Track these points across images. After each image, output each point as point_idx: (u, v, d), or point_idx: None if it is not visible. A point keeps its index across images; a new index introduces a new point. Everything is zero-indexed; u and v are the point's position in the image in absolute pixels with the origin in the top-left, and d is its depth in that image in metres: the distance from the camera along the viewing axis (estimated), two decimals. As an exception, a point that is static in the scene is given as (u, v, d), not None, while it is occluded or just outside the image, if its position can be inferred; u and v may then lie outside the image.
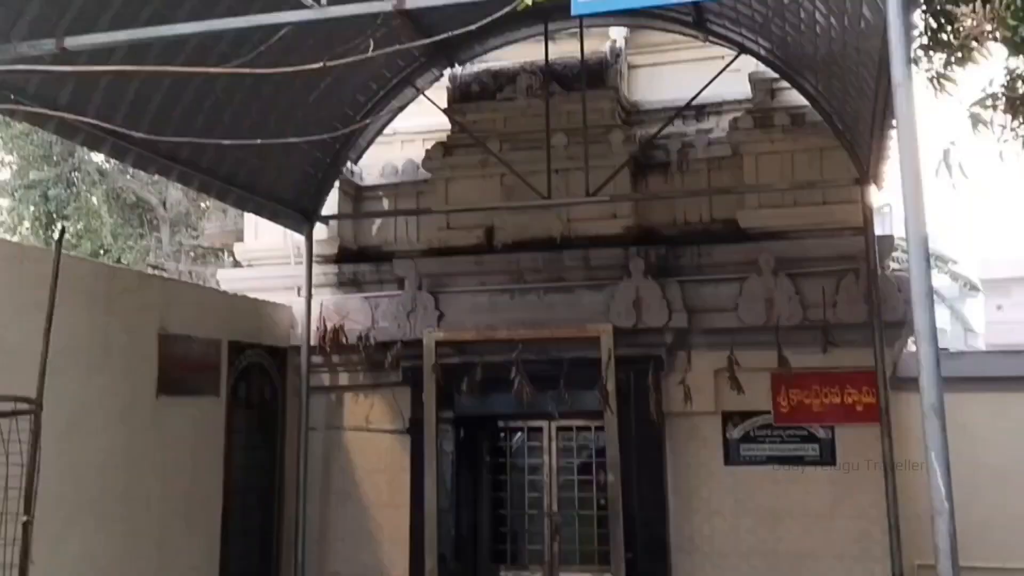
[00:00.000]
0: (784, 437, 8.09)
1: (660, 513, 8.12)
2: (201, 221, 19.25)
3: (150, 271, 16.13)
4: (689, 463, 8.27)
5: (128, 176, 20.33)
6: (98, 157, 20.21)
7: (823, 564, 7.77)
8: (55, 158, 19.67)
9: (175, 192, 20.02)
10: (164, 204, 20.04)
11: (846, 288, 7.76)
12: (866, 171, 7.35)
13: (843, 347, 7.78)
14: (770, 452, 8.11)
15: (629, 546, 8.00)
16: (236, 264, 10.53)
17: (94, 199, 20.39)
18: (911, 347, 10.80)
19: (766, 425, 8.15)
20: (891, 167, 7.07)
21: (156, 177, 19.81)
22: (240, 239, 10.15)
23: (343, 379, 9.39)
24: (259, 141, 5.97)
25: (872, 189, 7.54)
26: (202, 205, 20.44)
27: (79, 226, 20.17)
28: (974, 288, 32.46)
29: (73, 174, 19.91)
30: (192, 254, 20.74)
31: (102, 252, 18.98)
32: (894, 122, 5.49)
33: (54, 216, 19.21)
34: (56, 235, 6.51)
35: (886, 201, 11.10)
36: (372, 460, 9.14)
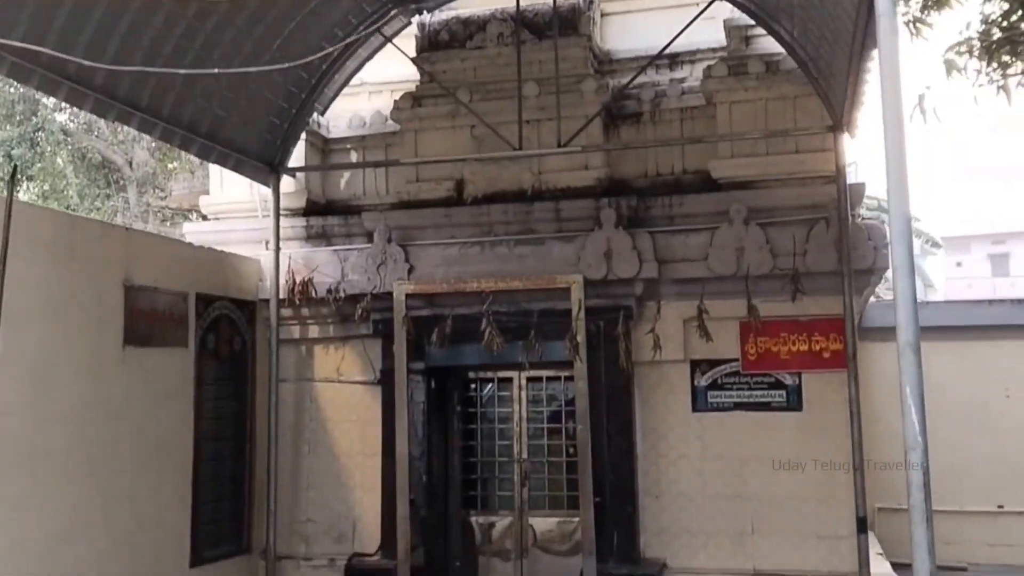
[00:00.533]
0: (751, 384, 8.09)
1: (628, 459, 8.11)
2: (169, 182, 18.87)
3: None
4: (657, 410, 8.25)
5: (94, 136, 19.85)
6: (62, 116, 19.72)
7: (788, 507, 7.82)
8: (18, 117, 19.12)
9: (141, 152, 19.57)
10: (131, 164, 19.61)
11: (816, 237, 7.72)
12: (840, 118, 7.27)
13: (812, 295, 7.76)
14: (737, 399, 8.11)
15: (598, 491, 7.99)
16: (204, 220, 10.28)
17: (59, 160, 19.93)
18: (875, 298, 10.88)
19: (734, 373, 8.14)
20: (865, 114, 7.01)
21: (122, 137, 19.60)
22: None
23: (313, 332, 9.25)
24: (217, 71, 5.73)
25: (845, 137, 7.48)
26: (169, 166, 20.03)
27: (45, 187, 19.70)
28: (936, 245, 32.80)
29: (37, 134, 19.39)
30: (160, 215, 20.35)
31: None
32: (870, 66, 5.45)
33: (19, 177, 18.76)
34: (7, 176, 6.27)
35: (851, 160, 11.09)
36: (343, 411, 9.05)
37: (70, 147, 19.73)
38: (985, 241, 44.52)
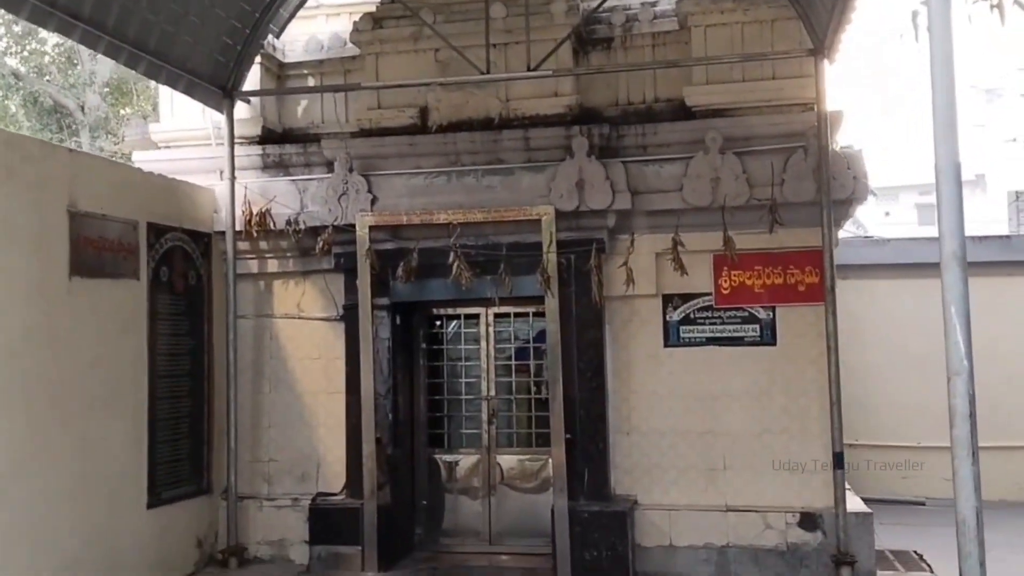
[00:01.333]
0: (724, 319, 7.82)
1: (599, 395, 7.80)
2: (121, 127, 18.04)
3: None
4: (629, 346, 7.94)
5: (45, 79, 18.99)
6: (13, 61, 18.78)
7: (761, 442, 7.61)
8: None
9: (94, 97, 18.71)
10: (83, 109, 18.69)
11: (794, 166, 7.39)
12: (822, 41, 6.91)
13: (788, 227, 7.44)
14: (710, 334, 7.83)
15: (568, 428, 7.69)
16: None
17: (11, 104, 19.12)
18: (846, 232, 10.68)
19: (707, 307, 7.85)
20: (847, 36, 6.65)
21: (73, 80, 18.60)
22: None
23: (272, 266, 8.72)
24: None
25: (824, 63, 7.13)
26: (122, 112, 19.21)
27: (-5, 131, 18.75)
28: (871, 194, 33.10)
29: (-12, 78, 18.43)
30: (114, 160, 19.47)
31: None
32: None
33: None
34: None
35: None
36: (305, 348, 8.59)
37: (22, 92, 18.89)
38: (912, 191, 45.15)
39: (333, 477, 8.35)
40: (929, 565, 7.76)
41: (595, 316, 7.85)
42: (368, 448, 7.95)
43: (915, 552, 8.19)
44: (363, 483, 7.93)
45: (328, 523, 8.02)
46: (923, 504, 10.32)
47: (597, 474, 7.73)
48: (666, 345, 7.90)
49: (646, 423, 7.85)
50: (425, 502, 8.67)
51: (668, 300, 7.93)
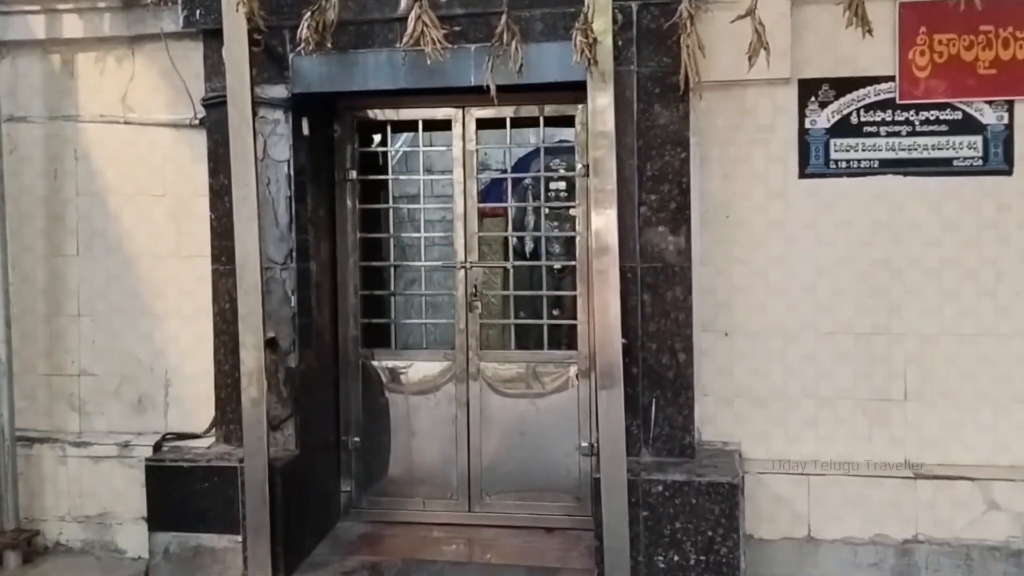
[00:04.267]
0: (916, 125, 4.10)
1: (677, 264, 4.11)
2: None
3: None
4: (733, 176, 4.22)
5: None
6: None
7: (979, 351, 4.07)
8: None
9: None
10: None
11: None
12: None
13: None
14: (887, 153, 4.12)
15: (621, 322, 4.01)
16: None
17: None
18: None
19: (883, 103, 4.11)
20: None
21: None
22: None
23: (74, 27, 4.65)
24: None
25: None
26: None
27: None
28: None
29: None
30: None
31: None
32: None
33: None
34: None
35: None
36: (139, 176, 4.68)
37: None
38: None
39: (193, 405, 4.63)
40: None
41: (676, 119, 4.07)
42: (253, 356, 4.16)
43: None
44: (245, 419, 4.18)
45: (182, 490, 4.30)
46: None
47: (670, 406, 4.12)
48: (803, 175, 4.18)
49: (761, 316, 4.22)
50: (358, 439, 5.00)
51: (810, 90, 4.16)
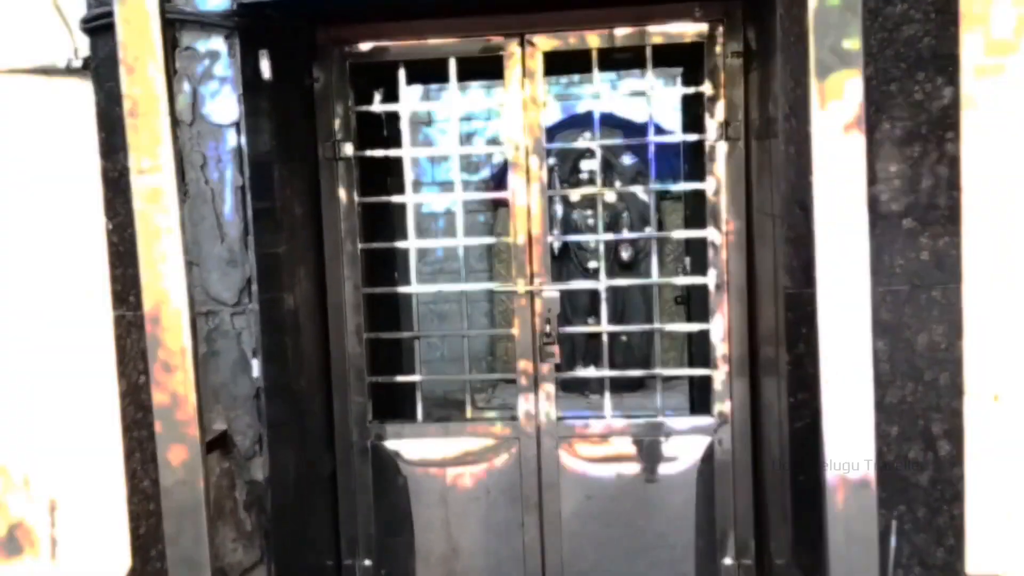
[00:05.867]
0: None
1: (940, 285, 2.31)
2: None
3: None
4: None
5: None
6: None
7: None
8: None
9: None
10: None
11: None
12: None
13: None
14: None
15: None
16: None
17: None
18: None
19: None
20: None
21: None
22: None
23: None
24: None
25: None
26: None
27: None
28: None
29: None
30: None
31: None
32: None
33: None
34: None
35: None
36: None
37: None
38: None
39: (99, 542, 2.72)
40: None
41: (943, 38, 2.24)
42: (184, 471, 2.26)
43: None
44: (160, 554, 2.29)
45: None
46: None
47: (923, 531, 2.31)
48: None
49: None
50: (369, 563, 3.13)
51: None
